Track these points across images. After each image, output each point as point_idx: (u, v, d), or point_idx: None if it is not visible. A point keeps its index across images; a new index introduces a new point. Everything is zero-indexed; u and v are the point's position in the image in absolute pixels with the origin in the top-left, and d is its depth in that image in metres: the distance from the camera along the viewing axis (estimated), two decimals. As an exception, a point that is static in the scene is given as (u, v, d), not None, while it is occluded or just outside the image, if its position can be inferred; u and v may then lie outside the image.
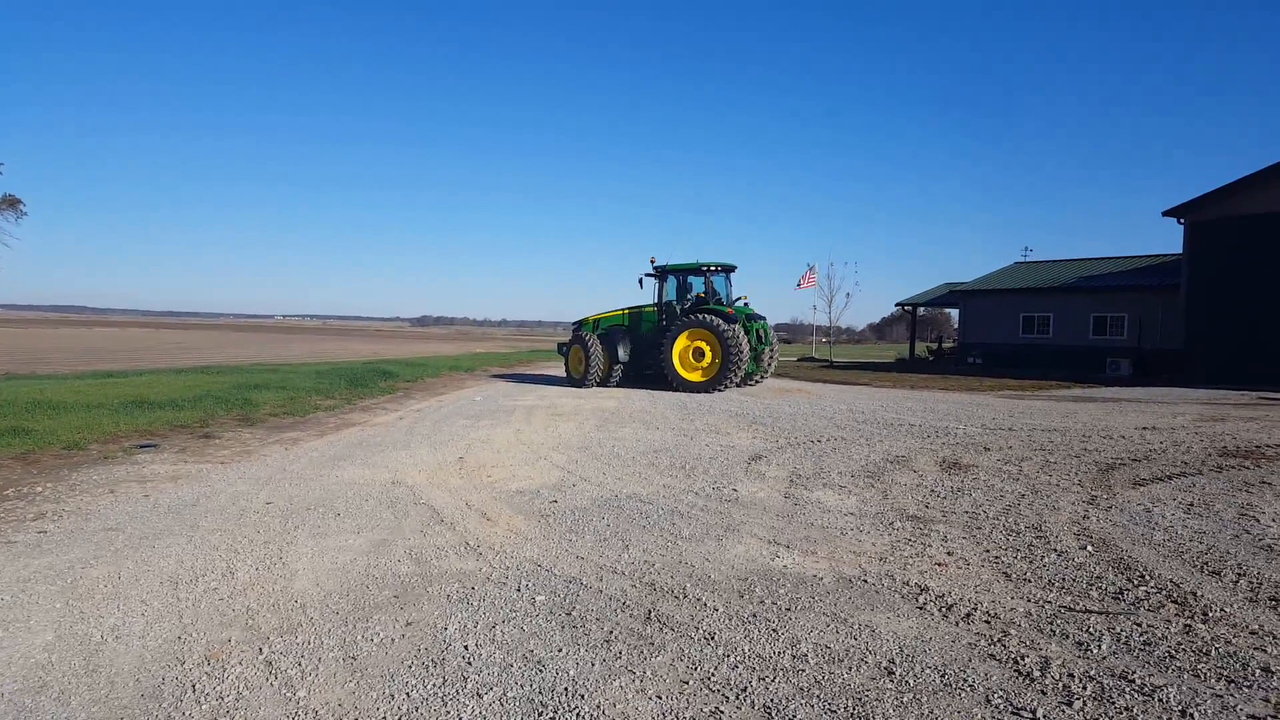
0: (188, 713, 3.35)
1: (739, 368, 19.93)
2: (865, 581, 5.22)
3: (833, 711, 3.45)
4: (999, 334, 36.97)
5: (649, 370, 21.70)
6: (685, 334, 20.38)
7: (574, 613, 4.55)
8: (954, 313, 48.41)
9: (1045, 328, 36.02)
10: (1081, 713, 3.45)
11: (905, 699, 3.58)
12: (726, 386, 20.17)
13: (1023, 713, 3.46)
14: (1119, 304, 33.51)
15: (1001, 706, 3.52)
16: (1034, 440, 11.91)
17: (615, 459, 9.77)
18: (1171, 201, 28.69)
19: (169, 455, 9.55)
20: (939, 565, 5.63)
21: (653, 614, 4.55)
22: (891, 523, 6.81)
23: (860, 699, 3.57)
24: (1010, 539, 6.35)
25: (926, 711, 3.46)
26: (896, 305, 52.30)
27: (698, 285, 21.89)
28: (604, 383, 21.33)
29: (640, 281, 22.05)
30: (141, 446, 9.99)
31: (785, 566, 5.52)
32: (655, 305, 22.01)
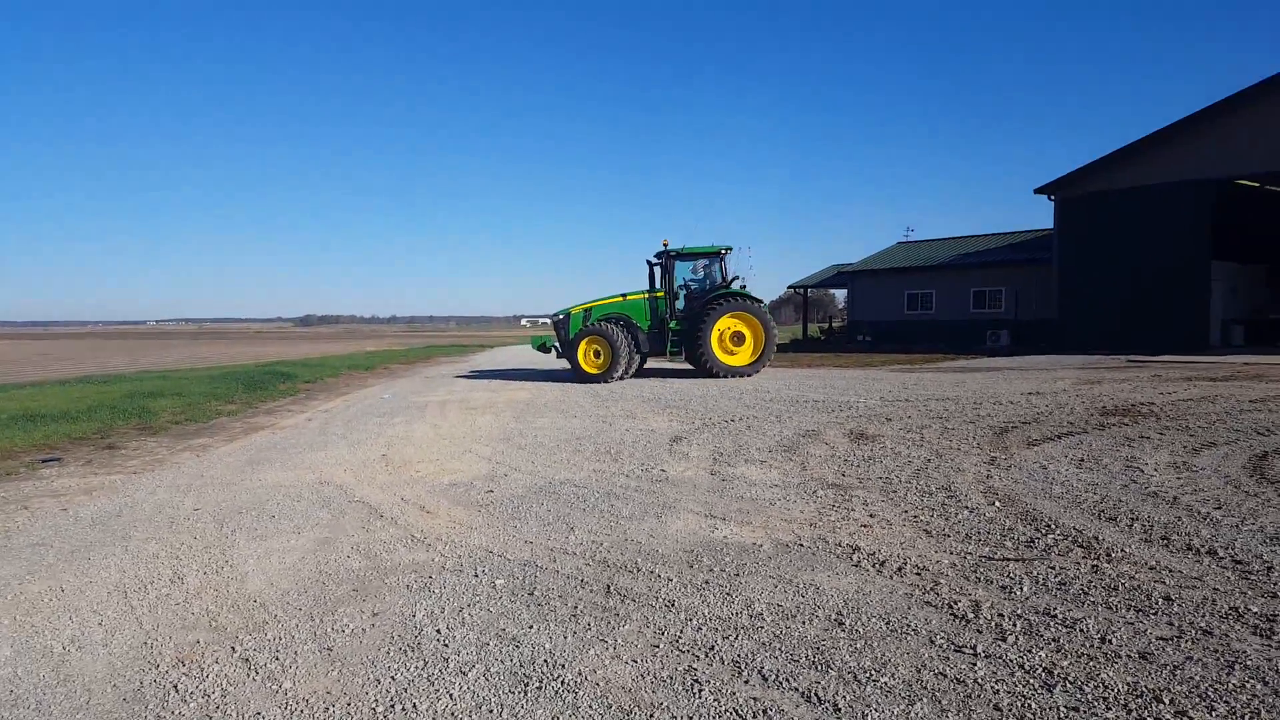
0: (176, 711, 3.36)
1: (774, 349, 20.61)
2: (801, 546, 5.55)
3: (795, 661, 3.73)
4: (886, 312, 38.52)
5: (673, 354, 20.97)
6: (726, 317, 20.16)
7: (536, 592, 4.71)
8: (840, 293, 50.06)
9: (929, 304, 37.77)
10: (1015, 646, 3.83)
11: (858, 645, 3.89)
12: (763, 368, 20.76)
13: (964, 650, 3.81)
14: (996, 279, 35.42)
15: (945, 646, 3.87)
16: (930, 409, 12.61)
17: (540, 448, 9.90)
18: (1043, 179, 30.46)
19: (76, 468, 9.16)
20: (865, 527, 6.02)
21: (611, 588, 4.75)
22: (814, 492, 7.20)
23: (818, 648, 3.86)
24: (924, 499, 6.81)
25: (879, 654, 3.78)
26: (788, 288, 53.80)
27: (713, 268, 21.26)
28: (625, 375, 20.46)
29: (651, 264, 21.28)
30: (45, 461, 9.55)
31: (725, 537, 5.80)
32: (653, 292, 21.13)
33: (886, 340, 36.90)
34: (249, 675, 3.69)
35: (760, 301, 20.37)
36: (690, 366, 21.35)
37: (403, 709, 3.35)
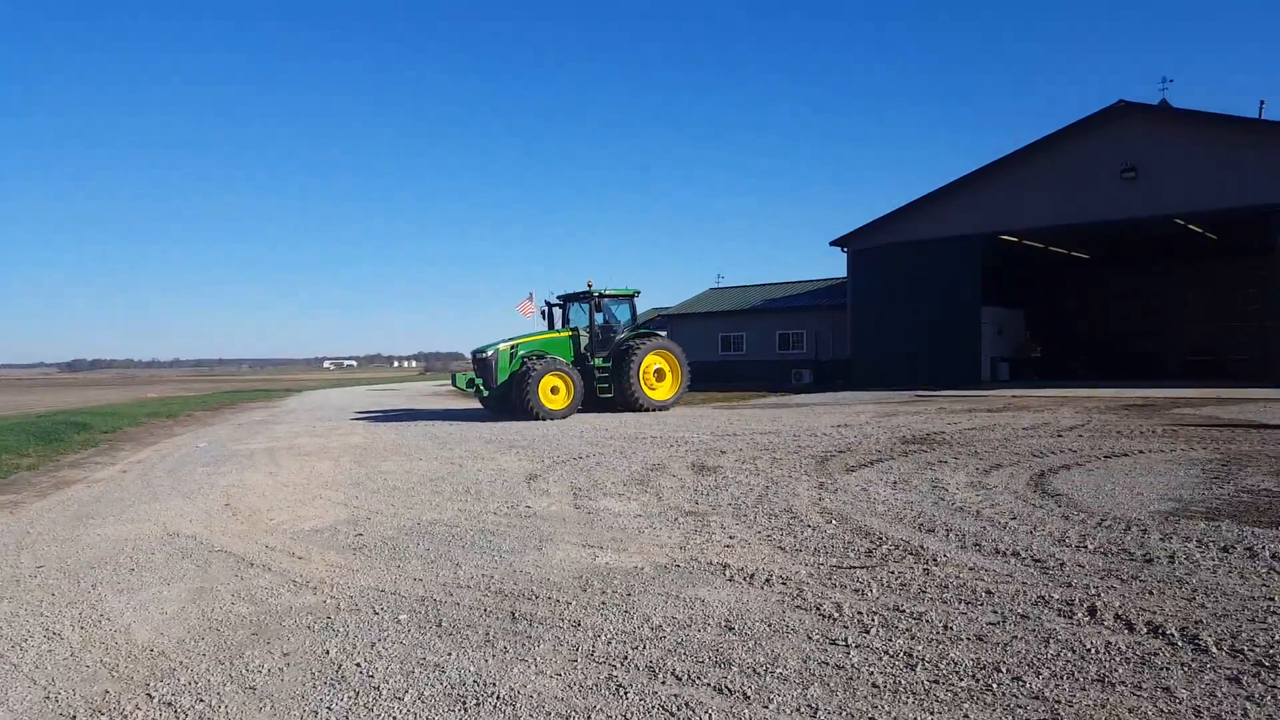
0: (121, 755, 3.37)
1: (688, 384, 22.30)
2: (678, 566, 6.06)
3: (700, 662, 4.21)
4: (703, 352, 40.30)
5: (601, 390, 21.67)
6: (651, 354, 21.52)
7: (443, 624, 4.93)
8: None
9: (740, 345, 40.02)
10: (878, 636, 4.49)
11: (750, 645, 4.42)
12: (680, 401, 22.28)
13: (837, 642, 4.43)
14: (799, 322, 38.08)
15: (821, 640, 4.47)
16: (757, 442, 13.60)
17: (395, 491, 9.91)
18: (839, 231, 33.28)
19: None
20: (728, 547, 6.62)
21: (516, 614, 5.05)
22: (675, 519, 7.75)
23: (716, 650, 4.36)
24: (772, 521, 7.53)
25: (769, 651, 4.32)
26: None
27: (623, 309, 22.72)
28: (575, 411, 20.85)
29: (552, 305, 22.76)
30: None
31: (608, 563, 6.22)
32: (575, 330, 22.24)
33: (704, 379, 38.49)
34: (180, 717, 3.71)
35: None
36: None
37: (352, 732, 3.53)
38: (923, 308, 30.80)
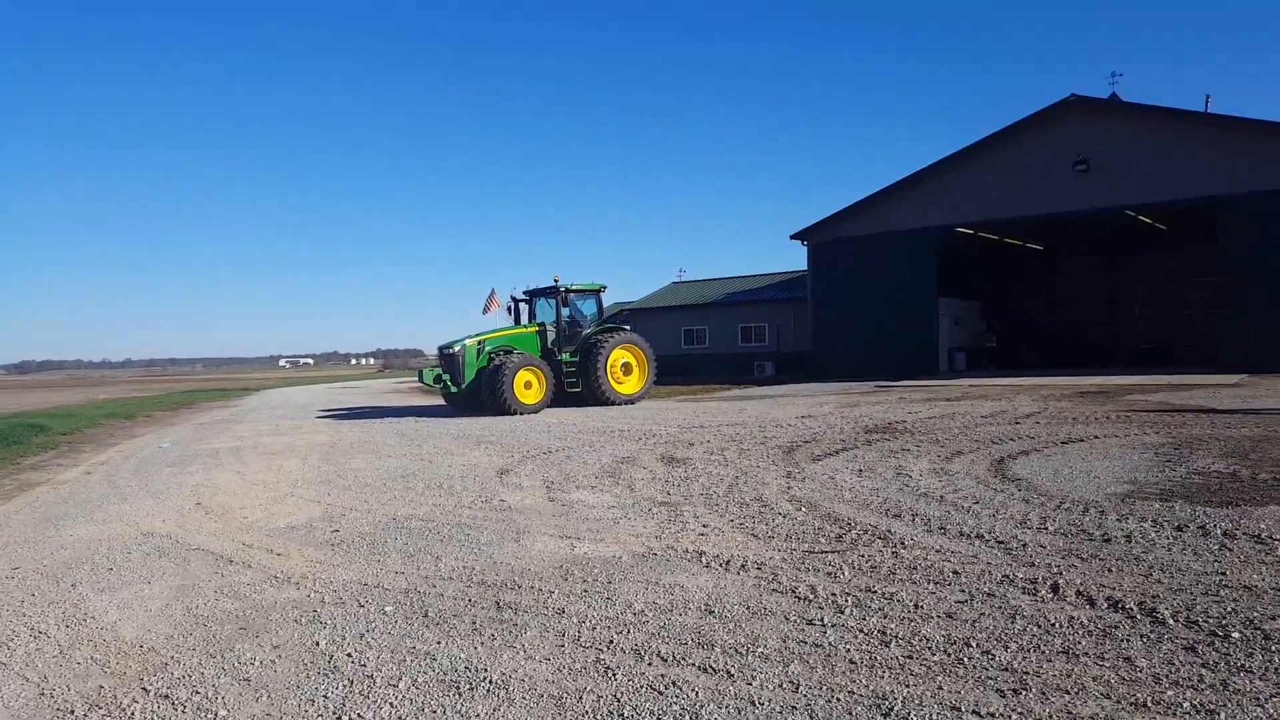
0: (123, 746, 3.43)
1: (654, 378, 22.61)
2: (655, 555, 6.21)
3: (684, 644, 4.36)
4: (666, 346, 40.49)
5: (570, 385, 21.75)
6: (618, 349, 21.76)
7: (429, 614, 5.02)
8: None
9: (703, 339, 40.35)
10: (852, 616, 4.68)
11: (730, 627, 4.58)
12: (647, 395, 22.54)
13: (814, 623, 4.61)
14: (760, 315, 38.48)
15: (798, 621, 4.65)
16: (724, 434, 13.80)
17: (366, 488, 9.93)
18: (799, 225, 33.69)
19: None
20: (702, 535, 6.78)
21: (500, 603, 5.16)
22: (649, 510, 7.90)
23: (699, 632, 4.51)
24: (743, 510, 7.70)
25: (749, 632, 4.49)
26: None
27: (589, 304, 22.89)
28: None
29: (517, 301, 22.90)
30: None
31: (586, 553, 6.35)
32: (540, 325, 22.30)
33: (667, 372, 38.70)
34: (178, 709, 3.78)
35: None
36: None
37: (350, 718, 3.63)
38: (882, 299, 31.26)
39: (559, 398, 21.58)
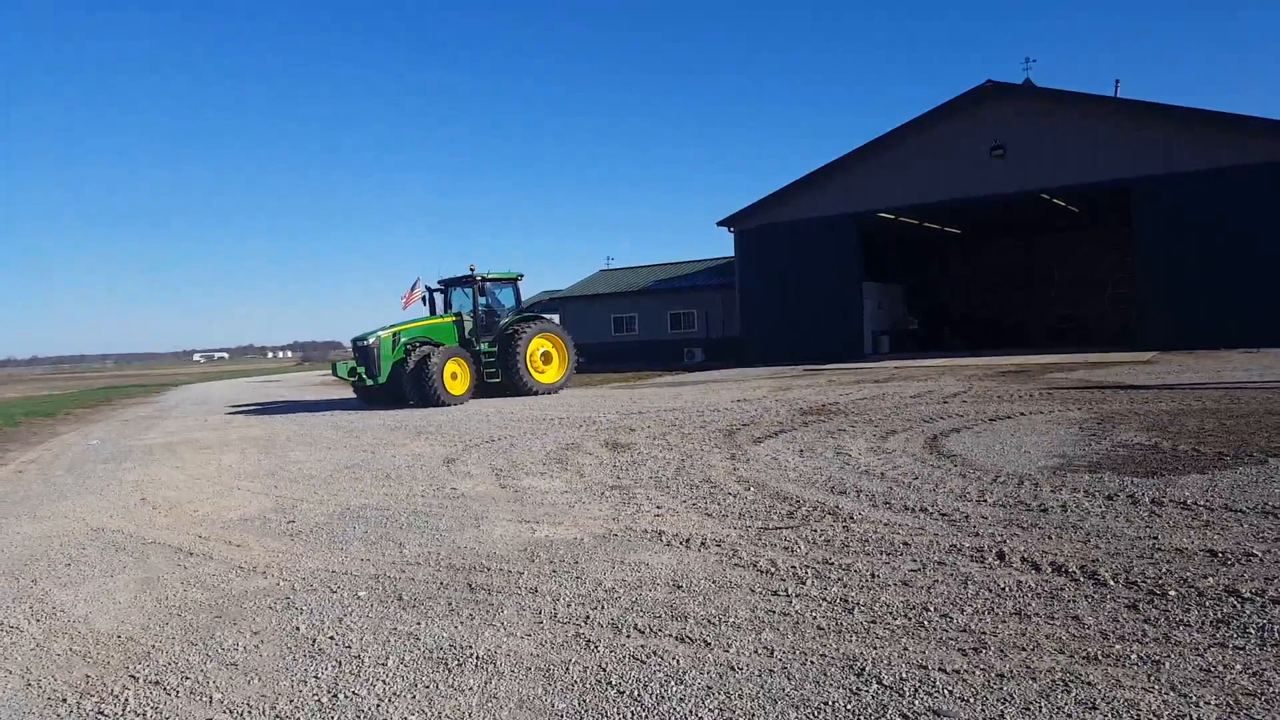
0: (123, 732, 3.47)
1: (575, 366, 22.63)
2: (615, 536, 6.39)
3: (658, 617, 4.56)
4: (596, 334, 40.67)
5: (489, 375, 21.52)
6: (538, 338, 21.53)
7: (404, 597, 5.12)
8: (554, 317, 51.83)
9: (633, 326, 40.56)
10: (814, 586, 4.94)
11: (699, 600, 4.80)
12: (567, 384, 22.45)
13: (779, 594, 4.85)
14: (689, 302, 38.87)
15: (763, 592, 4.89)
16: (663, 419, 14.04)
17: (313, 479, 9.87)
18: (726, 212, 34.14)
19: None
20: (658, 516, 6.99)
21: (472, 585, 5.28)
22: (601, 494, 8.07)
23: (670, 605, 4.72)
24: (694, 491, 7.94)
25: (718, 604, 4.71)
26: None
27: (506, 293, 22.61)
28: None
29: (432, 291, 22.48)
30: None
31: (548, 535, 6.50)
32: (459, 315, 21.89)
33: (596, 360, 38.93)
34: (171, 694, 3.82)
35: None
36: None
37: (346, 696, 3.73)
38: (807, 285, 31.94)
39: (479, 388, 21.29)
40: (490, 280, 22.06)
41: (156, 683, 3.95)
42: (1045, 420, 11.28)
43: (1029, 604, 4.43)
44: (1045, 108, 27.83)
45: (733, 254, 34.75)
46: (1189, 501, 6.36)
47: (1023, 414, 12.00)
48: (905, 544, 5.72)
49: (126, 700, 3.77)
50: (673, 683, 3.71)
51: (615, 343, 40.32)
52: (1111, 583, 4.67)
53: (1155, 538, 5.49)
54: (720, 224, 34.15)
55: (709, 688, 3.64)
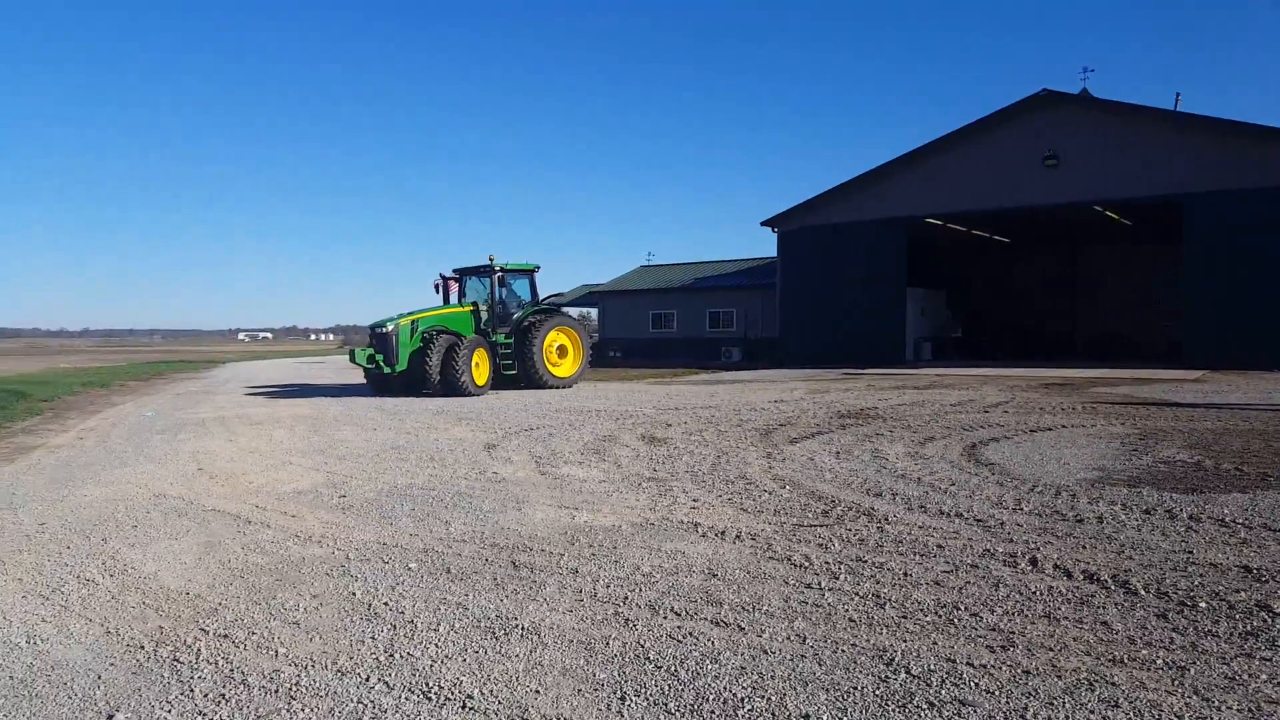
0: (198, 675, 3.76)
1: (590, 361, 22.63)
2: (652, 525, 6.59)
3: (694, 601, 4.75)
4: (634, 330, 41.01)
5: (505, 366, 21.19)
6: (554, 331, 21.51)
7: (452, 570, 5.37)
8: (593, 311, 52.17)
9: (671, 323, 40.78)
10: (848, 581, 5.10)
11: (734, 588, 4.98)
12: (582, 379, 22.52)
13: (812, 586, 5.01)
14: (728, 301, 39.00)
15: (797, 584, 5.06)
16: (700, 416, 14.20)
17: (362, 458, 10.19)
18: (769, 212, 34.16)
19: None
20: (694, 508, 7.17)
21: (516, 563, 5.51)
22: (639, 485, 8.27)
23: (706, 592, 4.91)
24: (729, 486, 8.11)
25: (753, 593, 4.88)
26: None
27: (522, 285, 22.47)
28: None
29: (446, 279, 22.37)
30: None
31: (587, 521, 6.71)
32: (477, 305, 21.52)
33: (635, 355, 39.27)
34: (239, 646, 4.09)
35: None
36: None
37: (401, 656, 3.97)
38: (850, 288, 31.87)
39: (494, 380, 21.04)
40: (507, 271, 21.77)
41: (225, 636, 4.23)
42: (1087, 434, 11.26)
43: (1059, 608, 4.54)
44: (1100, 118, 27.47)
45: (773, 255, 34.79)
46: (1227, 519, 6.39)
47: (1064, 426, 11.99)
48: (939, 546, 5.83)
49: (199, 650, 4.05)
50: (708, 661, 3.90)
51: (653, 339, 40.57)
52: (1143, 592, 4.76)
53: (1190, 552, 5.55)
54: (764, 224, 34.19)
55: (742, 668, 3.82)
